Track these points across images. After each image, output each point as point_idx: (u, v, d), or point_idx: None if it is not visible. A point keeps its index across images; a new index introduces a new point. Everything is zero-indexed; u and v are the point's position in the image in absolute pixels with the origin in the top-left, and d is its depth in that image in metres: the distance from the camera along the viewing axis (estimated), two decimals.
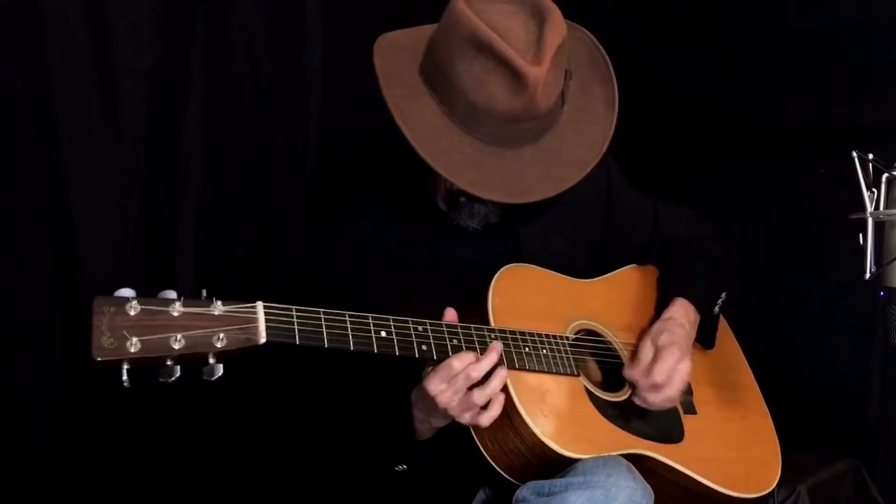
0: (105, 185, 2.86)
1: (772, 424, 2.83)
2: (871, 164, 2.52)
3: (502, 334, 2.35)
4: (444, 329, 2.26)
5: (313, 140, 3.27)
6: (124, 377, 1.84)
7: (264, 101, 3.17)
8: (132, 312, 1.86)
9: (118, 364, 1.83)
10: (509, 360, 2.30)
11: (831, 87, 3.43)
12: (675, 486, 2.50)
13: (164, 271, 2.97)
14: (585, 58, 2.53)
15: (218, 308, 1.95)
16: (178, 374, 1.90)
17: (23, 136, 2.73)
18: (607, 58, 2.54)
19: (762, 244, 3.69)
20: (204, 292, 1.97)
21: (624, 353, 2.62)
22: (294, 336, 2.03)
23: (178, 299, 1.92)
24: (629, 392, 2.53)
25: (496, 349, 2.26)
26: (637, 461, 2.36)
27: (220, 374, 1.94)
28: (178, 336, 1.88)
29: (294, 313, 2.05)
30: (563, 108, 2.42)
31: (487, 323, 2.36)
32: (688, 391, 2.66)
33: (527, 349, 2.37)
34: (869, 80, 3.35)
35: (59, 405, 2.85)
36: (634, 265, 2.85)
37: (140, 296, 1.89)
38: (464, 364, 2.22)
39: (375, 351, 2.14)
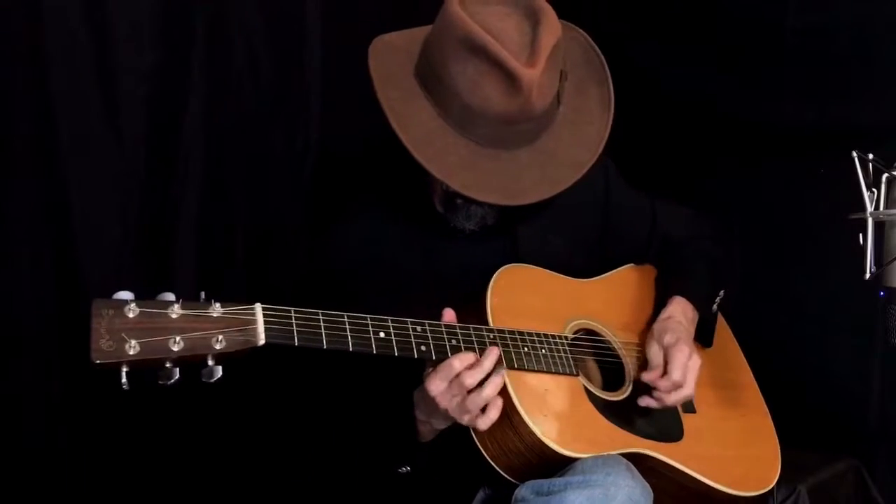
0: (105, 185, 2.86)
1: (771, 423, 2.82)
2: (871, 164, 2.53)
3: (501, 334, 2.34)
4: (443, 329, 2.26)
5: (313, 140, 3.27)
6: (123, 380, 1.84)
7: (264, 101, 3.17)
8: (131, 315, 1.86)
9: (117, 367, 1.83)
10: (508, 360, 2.30)
11: (831, 87, 3.44)
12: (674, 485, 2.50)
13: (164, 271, 2.97)
14: (581, 58, 2.53)
15: (216, 310, 1.95)
16: (177, 376, 1.90)
17: (23, 136, 2.73)
18: (603, 58, 2.54)
19: (762, 244, 3.70)
20: (203, 294, 1.97)
21: (623, 353, 2.62)
22: (293, 337, 2.03)
23: (177, 301, 1.92)
24: (629, 391, 2.53)
25: (493, 354, 2.26)
26: (637, 460, 2.35)
27: (219, 376, 1.94)
28: (177, 338, 1.87)
29: (293, 315, 2.05)
30: (558, 109, 2.42)
31: (486, 323, 2.36)
32: None
33: (526, 349, 2.37)
34: (869, 80, 3.36)
35: (59, 405, 2.85)
36: (632, 265, 2.85)
37: (139, 298, 1.89)
38: (464, 364, 2.21)
39: (374, 352, 2.13)
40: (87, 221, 2.83)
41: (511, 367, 2.31)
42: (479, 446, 2.33)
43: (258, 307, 2.00)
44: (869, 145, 2.56)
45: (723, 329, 2.96)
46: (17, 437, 2.80)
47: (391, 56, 2.41)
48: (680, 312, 2.65)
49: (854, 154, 2.53)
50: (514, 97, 2.25)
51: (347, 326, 2.11)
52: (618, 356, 2.62)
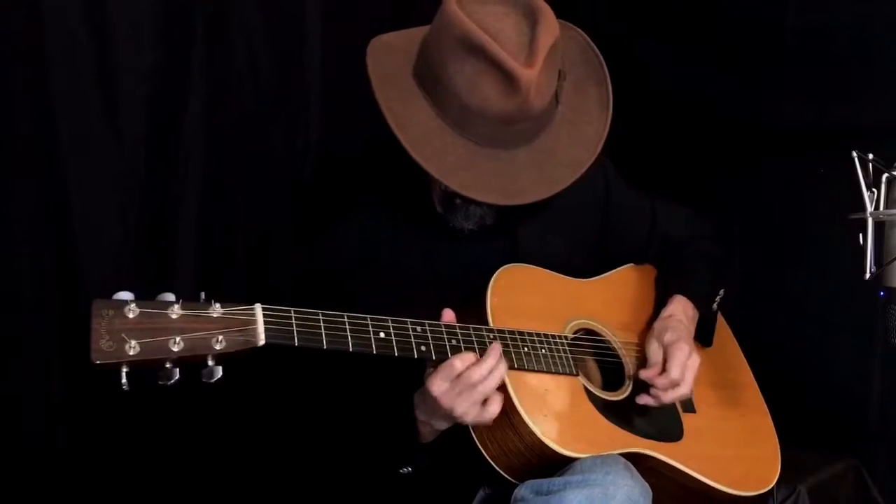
0: (105, 185, 2.86)
1: (771, 423, 2.83)
2: (871, 164, 2.53)
3: (501, 334, 2.34)
4: (443, 329, 2.26)
5: (313, 140, 3.27)
6: (123, 380, 1.84)
7: (264, 101, 3.16)
8: (131, 315, 1.86)
9: (117, 367, 1.83)
10: (508, 360, 2.30)
11: (831, 87, 3.44)
12: (674, 485, 2.50)
13: (164, 271, 2.97)
14: (579, 58, 2.53)
15: (216, 310, 1.95)
16: (177, 376, 1.90)
17: (23, 136, 2.72)
18: (601, 58, 2.54)
19: (762, 244, 3.70)
20: (203, 294, 1.97)
21: (623, 353, 2.62)
22: (293, 338, 2.03)
23: (177, 302, 1.92)
24: (629, 391, 2.54)
25: (496, 351, 2.26)
26: (637, 460, 2.36)
27: (219, 377, 1.94)
28: (177, 339, 1.87)
29: (293, 315, 2.05)
30: (557, 108, 2.42)
31: (486, 323, 2.36)
32: None
33: (526, 349, 2.37)
34: (869, 80, 3.36)
35: (59, 405, 2.85)
36: (632, 265, 2.86)
37: (139, 298, 1.89)
38: (465, 364, 2.21)
39: (374, 352, 2.13)
40: (87, 221, 2.82)
41: (511, 366, 2.31)
42: (479, 446, 2.34)
43: (258, 307, 2.00)
44: (869, 145, 2.56)
45: (723, 329, 2.96)
46: (17, 437, 2.80)
47: (389, 56, 2.41)
48: (681, 311, 2.66)
49: (854, 154, 2.53)
50: (513, 97, 2.25)
51: (347, 327, 2.11)
52: (618, 356, 2.62)
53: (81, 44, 2.78)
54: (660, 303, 2.72)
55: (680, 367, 2.47)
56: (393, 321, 2.19)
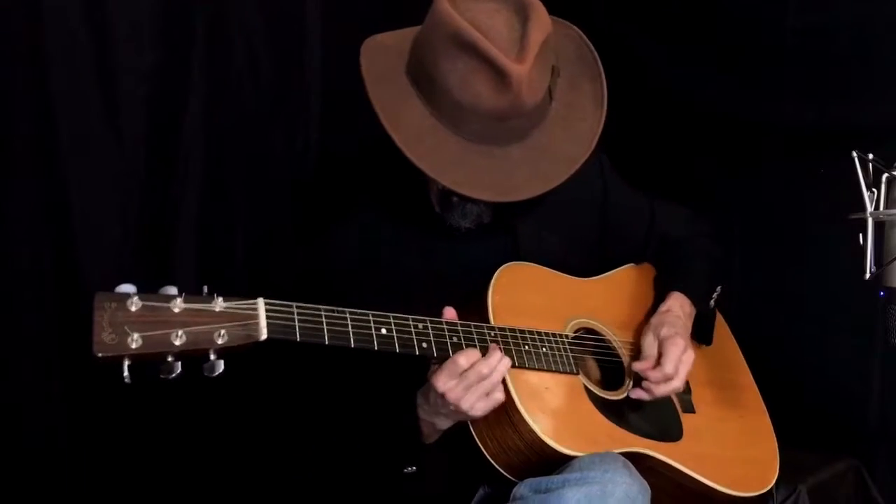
0: (105, 185, 2.86)
1: (770, 423, 2.83)
2: (871, 164, 2.52)
3: (502, 332, 2.35)
4: (445, 327, 2.27)
5: (313, 140, 3.27)
6: (125, 373, 1.84)
7: (264, 101, 3.17)
8: (133, 308, 1.85)
9: (119, 360, 1.83)
10: (509, 358, 2.30)
11: (831, 87, 3.43)
12: (673, 485, 2.51)
13: (164, 271, 2.97)
14: (574, 54, 2.52)
15: (219, 304, 1.95)
16: (178, 370, 1.90)
17: (23, 136, 2.73)
18: (596, 54, 2.53)
19: (762, 244, 3.69)
20: (205, 288, 1.96)
21: (623, 352, 2.63)
22: (295, 333, 2.03)
23: (179, 295, 1.92)
24: (628, 390, 2.54)
25: (496, 351, 2.27)
26: (636, 459, 2.36)
27: (220, 371, 1.94)
28: (180, 332, 1.88)
29: (295, 310, 2.05)
30: (550, 104, 2.41)
31: (487, 321, 2.36)
32: (686, 390, 2.68)
33: (526, 347, 2.37)
34: (869, 80, 3.35)
35: (59, 405, 2.85)
36: (632, 264, 2.86)
37: (141, 292, 1.89)
38: (470, 361, 2.23)
39: (376, 348, 2.14)
40: (87, 221, 2.83)
41: (512, 364, 2.31)
42: (479, 444, 2.34)
43: (260, 302, 2.00)
44: (869, 145, 2.55)
45: (722, 329, 2.97)
46: (17, 437, 2.80)
47: (383, 55, 2.41)
48: (678, 307, 2.67)
49: (854, 154, 2.53)
50: (504, 93, 2.24)
51: (349, 322, 2.12)
52: (618, 355, 2.63)
53: (81, 44, 2.78)
54: (659, 301, 2.72)
55: (674, 362, 2.48)
56: (395, 318, 2.19)
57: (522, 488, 2.25)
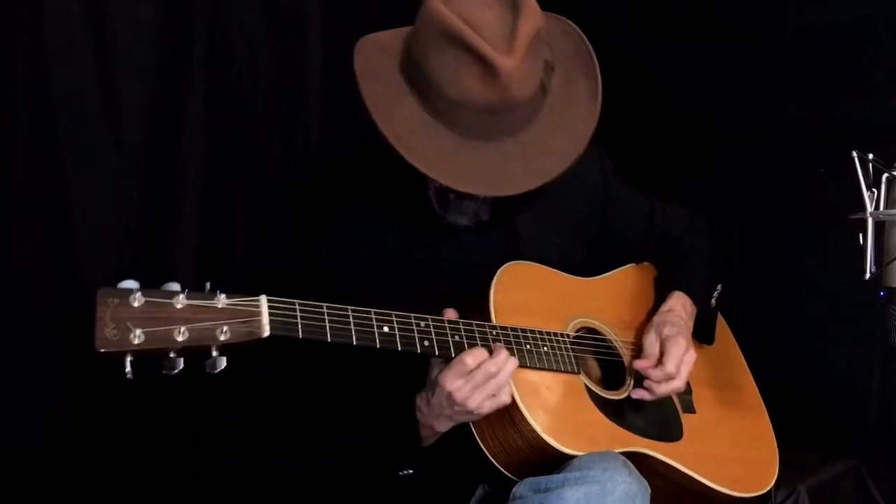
0: (105, 185, 2.86)
1: (770, 424, 2.84)
2: (871, 164, 2.53)
3: (504, 331, 2.35)
4: (447, 325, 2.27)
5: (313, 140, 3.28)
6: (128, 369, 1.83)
7: (264, 101, 3.17)
8: (136, 304, 1.85)
9: (121, 356, 1.82)
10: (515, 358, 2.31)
11: (831, 87, 3.43)
12: (673, 485, 2.51)
13: (164, 271, 2.93)
14: (572, 51, 2.49)
15: (222, 301, 1.95)
16: (180, 366, 1.90)
17: (23, 136, 2.73)
18: (591, 48, 2.50)
19: (762, 244, 3.69)
20: (208, 285, 1.96)
21: (624, 351, 2.63)
22: (297, 330, 2.03)
23: (182, 292, 1.91)
24: (629, 390, 2.54)
25: (502, 350, 2.28)
26: (636, 459, 2.36)
27: (222, 367, 1.93)
28: (182, 328, 1.87)
29: (297, 307, 2.05)
30: (545, 99, 2.40)
31: (489, 319, 2.36)
32: (687, 390, 2.67)
33: (528, 346, 2.38)
34: (869, 80, 3.34)
35: (59, 405, 2.85)
36: (633, 264, 2.87)
37: (144, 288, 1.89)
38: (477, 361, 2.23)
39: (378, 346, 2.14)
40: (87, 221, 2.83)
41: None
42: (480, 443, 2.34)
43: (263, 299, 2.00)
44: (869, 145, 2.56)
45: (723, 330, 2.97)
46: (17, 437, 2.80)
47: (376, 54, 2.40)
48: (679, 307, 2.68)
49: (854, 154, 2.53)
50: (493, 86, 2.23)
51: (351, 320, 2.11)
52: (619, 355, 2.63)
53: (81, 44, 2.78)
54: (660, 301, 2.73)
55: (676, 361, 2.48)
56: (397, 316, 2.19)
57: (522, 488, 2.25)
